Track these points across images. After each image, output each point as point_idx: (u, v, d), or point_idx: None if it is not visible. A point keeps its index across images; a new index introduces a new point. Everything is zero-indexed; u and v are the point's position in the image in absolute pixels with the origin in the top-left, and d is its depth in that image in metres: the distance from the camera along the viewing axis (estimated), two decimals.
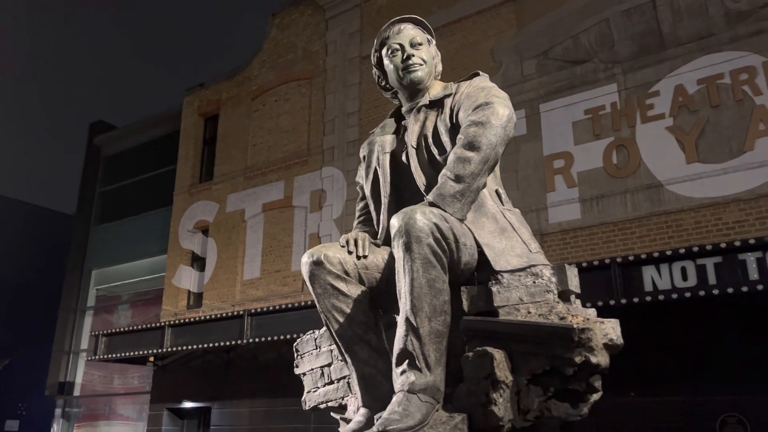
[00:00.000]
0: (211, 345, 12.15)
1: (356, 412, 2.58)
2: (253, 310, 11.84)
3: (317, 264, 2.60)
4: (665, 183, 9.38)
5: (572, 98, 10.53)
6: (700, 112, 9.38)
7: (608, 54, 10.39)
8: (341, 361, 2.74)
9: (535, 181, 10.49)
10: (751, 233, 8.27)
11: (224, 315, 12.26)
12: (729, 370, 8.14)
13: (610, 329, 2.27)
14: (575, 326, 2.13)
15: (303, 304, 11.16)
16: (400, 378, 2.28)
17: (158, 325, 13.18)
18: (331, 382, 2.89)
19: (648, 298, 7.83)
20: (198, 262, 15.13)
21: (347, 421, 2.68)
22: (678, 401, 8.37)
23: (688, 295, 7.62)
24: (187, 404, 13.64)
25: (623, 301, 7.89)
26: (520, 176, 10.55)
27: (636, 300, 7.88)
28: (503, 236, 2.55)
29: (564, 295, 2.43)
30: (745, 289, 7.28)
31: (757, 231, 8.33)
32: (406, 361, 2.28)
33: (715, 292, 7.44)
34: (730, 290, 7.35)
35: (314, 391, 3.00)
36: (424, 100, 2.88)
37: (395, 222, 2.37)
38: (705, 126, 9.29)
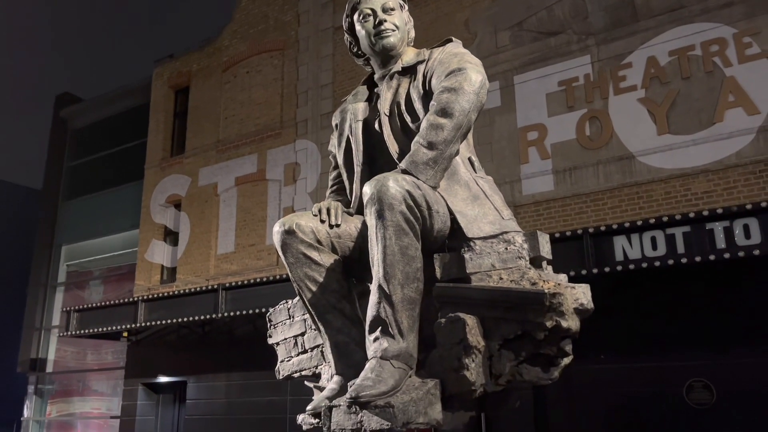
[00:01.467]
0: (185, 319, 12.08)
1: (330, 380, 2.59)
2: (227, 284, 11.77)
3: (289, 233, 2.57)
4: (636, 154, 9.49)
5: (546, 70, 10.54)
6: (671, 83, 9.47)
7: (582, 25, 10.39)
8: (314, 330, 2.74)
9: (509, 153, 10.52)
10: (719, 203, 8.43)
11: (198, 289, 12.18)
12: (696, 337, 8.35)
13: (581, 294, 2.29)
14: (546, 291, 2.14)
15: (278, 277, 11.13)
16: (373, 345, 2.29)
17: (131, 300, 13.05)
18: (305, 351, 2.89)
19: (619, 268, 7.96)
20: (171, 236, 14.96)
21: (321, 389, 2.69)
22: (646, 367, 8.58)
23: (657, 264, 7.76)
24: (163, 379, 13.60)
25: (595, 270, 8.01)
26: (495, 148, 10.57)
27: (607, 270, 8.01)
28: (476, 203, 2.55)
29: (536, 262, 2.45)
30: (712, 257, 7.44)
31: (725, 201, 8.49)
32: (379, 328, 2.28)
33: (684, 260, 7.59)
34: (698, 259, 7.51)
35: (288, 361, 3.00)
36: (397, 66, 2.84)
37: (367, 189, 2.36)
38: (676, 97, 9.38)
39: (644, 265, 7.83)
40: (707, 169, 8.90)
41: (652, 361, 8.56)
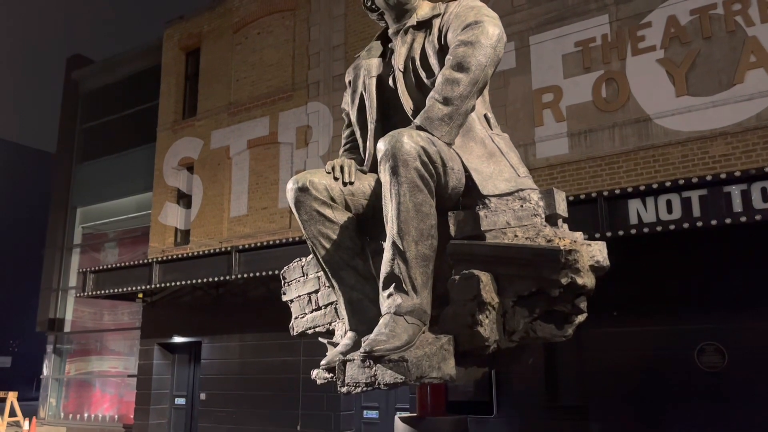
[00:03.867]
0: (199, 281, 12.21)
1: (344, 336, 2.60)
2: (240, 247, 11.85)
3: (302, 190, 2.56)
4: (654, 117, 9.32)
5: (562, 30, 10.31)
6: (691, 44, 9.24)
7: None
8: (328, 287, 2.74)
9: (523, 116, 10.39)
10: (737, 167, 8.30)
11: (212, 251, 12.27)
12: (708, 301, 8.33)
13: (597, 251, 2.27)
14: (562, 248, 2.12)
15: (290, 240, 11.18)
16: (387, 301, 2.29)
17: (146, 261, 13.20)
18: (319, 308, 2.91)
19: (633, 231, 7.91)
20: (184, 199, 15.02)
21: (335, 345, 2.71)
22: (658, 330, 8.59)
23: (672, 227, 7.69)
24: (178, 339, 13.83)
25: (609, 234, 7.96)
26: (509, 111, 10.43)
27: (621, 233, 7.96)
28: (491, 161, 2.52)
29: (552, 219, 2.43)
30: (728, 221, 7.36)
31: (743, 164, 8.36)
32: (393, 284, 2.28)
33: (699, 224, 7.52)
34: (713, 222, 7.43)
35: (301, 317, 3.02)
36: (412, 20, 2.78)
37: (381, 146, 2.33)
38: (696, 58, 9.17)
39: (659, 228, 7.76)
40: (726, 132, 8.74)
41: (664, 324, 8.56)
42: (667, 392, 8.48)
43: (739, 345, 8.17)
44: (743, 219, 7.26)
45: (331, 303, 2.82)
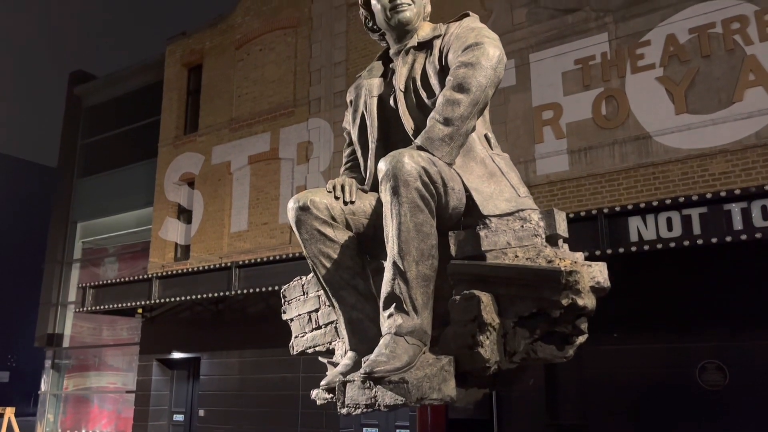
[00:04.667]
0: (199, 296, 12.19)
1: (344, 356, 2.59)
2: (240, 262, 11.84)
3: (303, 209, 2.56)
4: (653, 134, 9.36)
5: (562, 48, 10.39)
6: (690, 62, 9.30)
7: (600, 2, 10.21)
8: (329, 306, 2.74)
9: (523, 133, 10.43)
10: (737, 184, 8.32)
11: (212, 267, 12.26)
12: (710, 319, 8.31)
13: (598, 272, 2.27)
14: (563, 269, 2.12)
15: (291, 256, 11.17)
16: (388, 321, 2.28)
17: (146, 277, 13.18)
18: (319, 327, 2.90)
19: (633, 248, 7.91)
20: (184, 214, 15.04)
21: (335, 364, 2.70)
22: (659, 348, 8.56)
23: (672, 245, 7.70)
24: (177, 355, 13.77)
25: (609, 251, 7.96)
26: (509, 128, 10.47)
27: (621, 250, 7.96)
28: (492, 180, 2.53)
29: (552, 240, 2.43)
30: (729, 239, 7.36)
31: (743, 182, 8.38)
32: (394, 304, 2.28)
33: (700, 242, 7.52)
34: (714, 240, 7.43)
35: (302, 336, 3.01)
36: (413, 41, 2.80)
37: (383, 165, 2.33)
38: (695, 76, 9.22)
39: (659, 246, 7.77)
40: (725, 150, 8.77)
41: (665, 341, 8.53)
42: (668, 411, 8.43)
43: (740, 363, 8.13)
44: (744, 237, 7.27)
45: (332, 322, 2.81)
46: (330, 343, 2.84)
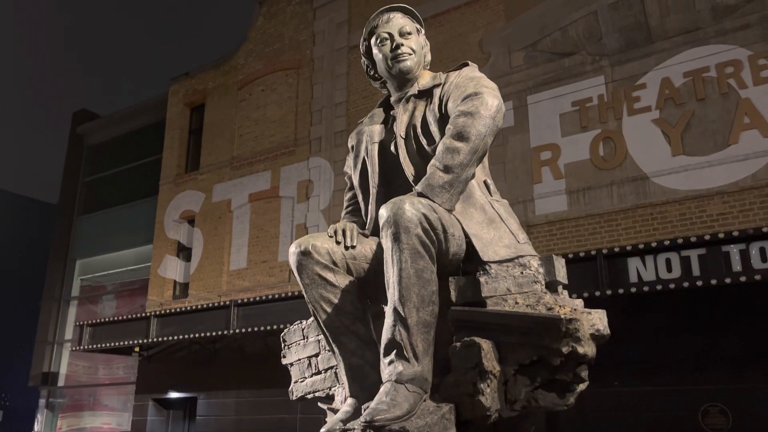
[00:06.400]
0: (197, 335, 12.10)
1: (343, 402, 2.58)
2: (239, 301, 11.80)
3: (305, 254, 2.58)
4: (651, 175, 9.45)
5: (560, 90, 10.56)
6: (686, 105, 9.44)
7: (596, 46, 10.42)
8: (329, 351, 2.73)
9: (522, 173, 10.52)
10: (734, 225, 8.36)
11: (210, 305, 12.21)
12: (712, 361, 8.24)
13: (597, 320, 2.28)
14: (563, 317, 2.13)
15: (290, 294, 11.14)
16: (388, 368, 2.28)
17: (144, 315, 13.10)
18: (319, 372, 2.89)
19: (633, 290, 7.90)
20: (184, 252, 15.04)
21: (334, 411, 2.68)
22: (661, 391, 8.47)
23: (672, 286, 7.69)
24: (173, 394, 13.60)
25: (608, 292, 7.95)
26: (508, 168, 10.57)
27: (621, 291, 7.95)
28: (491, 227, 2.55)
29: (551, 286, 2.44)
30: (728, 280, 7.36)
31: (741, 223, 8.42)
32: (394, 351, 2.28)
33: (699, 283, 7.52)
34: (713, 282, 7.43)
35: (301, 381, 2.99)
36: (413, 89, 2.86)
37: (384, 212, 2.36)
38: (690, 119, 9.35)
39: (659, 287, 7.76)
40: (723, 191, 8.84)
41: (667, 384, 8.45)
42: None
43: (743, 406, 8.05)
44: (743, 279, 7.27)
45: (331, 367, 2.80)
46: (330, 388, 2.82)
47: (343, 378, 2.60)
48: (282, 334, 3.13)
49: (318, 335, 2.87)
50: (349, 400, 2.50)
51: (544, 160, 10.41)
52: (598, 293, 7.92)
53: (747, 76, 9.06)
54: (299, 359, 3.01)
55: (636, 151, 9.68)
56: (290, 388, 3.05)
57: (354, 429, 2.21)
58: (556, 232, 9.98)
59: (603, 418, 8.68)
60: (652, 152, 9.51)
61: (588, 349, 2.15)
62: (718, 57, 9.30)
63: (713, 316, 8.26)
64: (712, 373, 8.21)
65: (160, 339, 12.58)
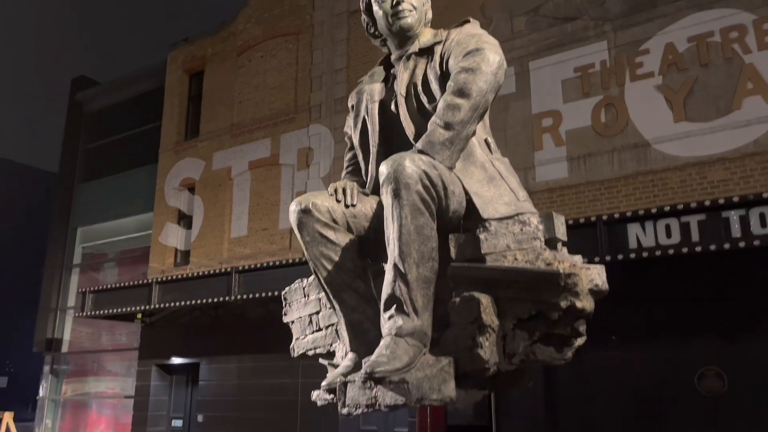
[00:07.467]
0: (198, 302, 12.19)
1: (344, 357, 2.62)
2: (240, 267, 11.86)
3: (305, 212, 2.59)
4: (652, 142, 9.41)
5: (562, 56, 10.45)
6: (689, 70, 9.36)
7: (599, 11, 10.28)
8: (329, 308, 2.77)
9: (523, 140, 10.47)
10: (735, 192, 8.36)
11: (212, 272, 12.27)
12: (708, 326, 8.33)
13: (596, 275, 2.30)
14: (561, 271, 2.15)
15: (290, 261, 11.19)
16: (388, 323, 2.31)
17: (146, 282, 13.19)
18: (320, 330, 2.92)
19: (632, 255, 7.93)
20: (185, 219, 15.06)
21: (335, 366, 2.72)
22: (658, 355, 8.57)
23: (671, 252, 7.73)
24: (176, 360, 13.76)
25: (608, 258, 7.99)
26: (509, 135, 10.52)
27: (620, 257, 7.99)
28: (491, 185, 2.56)
29: (551, 243, 2.45)
30: (727, 246, 7.39)
31: (741, 189, 8.41)
32: (394, 306, 2.30)
33: (698, 249, 7.55)
34: (712, 247, 7.46)
35: (302, 339, 3.03)
36: (414, 47, 2.84)
37: (384, 169, 2.37)
38: (694, 85, 9.28)
39: (658, 253, 7.79)
40: (724, 158, 8.81)
41: (664, 349, 8.54)
42: (667, 417, 8.44)
43: (739, 370, 8.15)
44: (742, 244, 7.30)
45: (332, 324, 2.84)
46: (330, 345, 2.86)
47: (344, 334, 2.63)
48: (283, 292, 3.16)
49: (319, 293, 2.90)
50: (350, 355, 2.54)
51: (545, 126, 10.36)
52: (597, 259, 7.95)
53: (751, 40, 8.96)
54: (300, 317, 3.04)
55: (638, 117, 9.62)
56: (291, 345, 3.10)
57: (354, 381, 2.25)
58: (557, 199, 9.98)
59: (600, 379, 8.80)
60: (653, 118, 9.46)
61: (586, 303, 2.18)
62: (723, 21, 9.19)
63: (711, 282, 8.32)
64: (708, 338, 8.30)
65: (162, 305, 12.68)
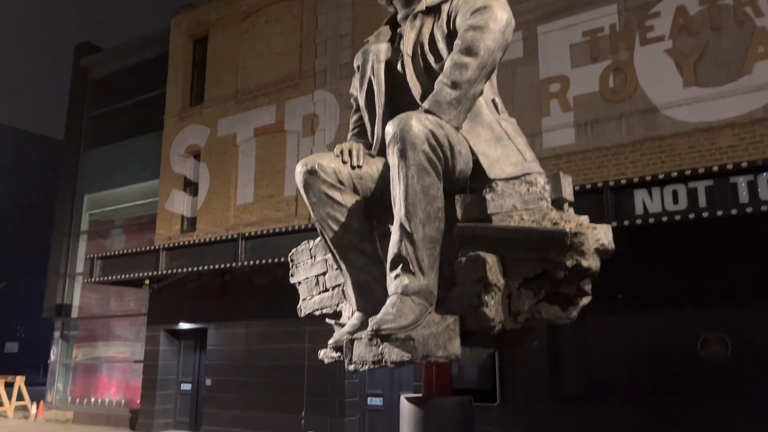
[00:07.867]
0: (206, 268, 12.28)
1: (351, 317, 2.64)
2: (246, 234, 11.91)
3: (311, 173, 2.59)
4: (661, 107, 9.30)
5: (570, 20, 10.28)
6: (700, 34, 9.20)
7: None
8: (336, 269, 2.78)
9: (530, 106, 10.37)
10: (744, 157, 8.29)
11: (218, 239, 12.34)
12: (713, 291, 8.34)
13: (602, 234, 2.30)
14: (568, 230, 2.15)
15: (296, 228, 11.22)
16: (394, 282, 2.32)
17: (153, 248, 13.27)
18: (326, 290, 2.95)
19: (639, 221, 7.92)
20: (191, 186, 15.08)
21: (342, 326, 2.75)
22: (662, 320, 8.61)
23: (678, 218, 7.70)
24: (184, 325, 13.93)
25: (614, 223, 7.97)
26: (516, 100, 10.41)
27: (627, 223, 7.97)
28: (498, 145, 2.55)
29: (558, 203, 2.45)
30: (734, 211, 7.36)
31: (750, 155, 8.34)
32: (400, 265, 2.32)
33: (705, 215, 7.52)
34: (719, 213, 7.43)
35: (309, 299, 3.06)
36: (421, 6, 2.80)
37: (390, 128, 2.35)
38: (704, 49, 9.13)
39: (664, 219, 7.77)
40: (733, 123, 8.72)
41: (668, 313, 8.58)
42: (670, 382, 8.52)
43: (742, 335, 8.19)
44: (749, 210, 7.27)
45: (339, 285, 2.86)
46: (337, 305, 2.89)
47: (350, 294, 2.66)
48: (290, 254, 3.18)
49: (325, 254, 2.92)
50: (357, 314, 2.57)
51: (552, 92, 10.25)
52: None
53: (764, 3, 8.78)
54: (307, 278, 3.07)
55: (647, 82, 9.50)
56: (298, 305, 3.13)
57: (361, 338, 2.27)
58: (563, 165, 9.92)
59: (604, 342, 8.87)
60: (663, 83, 9.33)
61: (592, 262, 2.18)
62: None
63: (718, 248, 8.30)
64: (713, 303, 8.33)
65: (169, 272, 12.79)
